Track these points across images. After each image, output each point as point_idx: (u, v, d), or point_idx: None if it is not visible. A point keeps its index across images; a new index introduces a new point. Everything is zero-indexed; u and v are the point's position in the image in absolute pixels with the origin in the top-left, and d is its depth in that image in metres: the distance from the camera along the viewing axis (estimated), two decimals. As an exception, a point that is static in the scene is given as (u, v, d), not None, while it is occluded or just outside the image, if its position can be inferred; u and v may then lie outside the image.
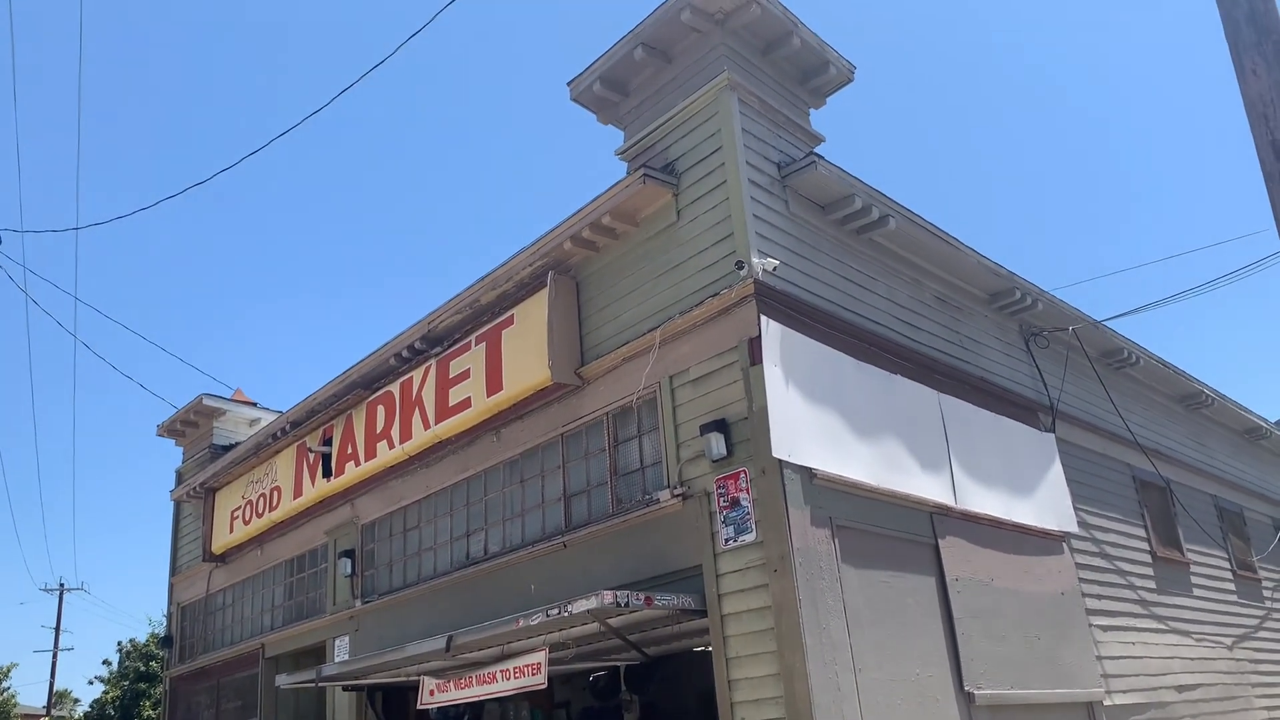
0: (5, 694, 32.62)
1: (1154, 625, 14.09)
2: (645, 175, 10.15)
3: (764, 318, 9.19)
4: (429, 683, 11.84)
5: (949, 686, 9.83)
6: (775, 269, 9.40)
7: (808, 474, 9.11)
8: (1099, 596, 12.99)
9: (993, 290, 13.05)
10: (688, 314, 9.87)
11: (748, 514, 8.98)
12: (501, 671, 10.75)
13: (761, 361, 9.08)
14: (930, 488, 10.57)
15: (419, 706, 11.94)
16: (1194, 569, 15.94)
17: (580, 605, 8.63)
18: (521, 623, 9.26)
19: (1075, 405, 14.35)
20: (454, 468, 12.76)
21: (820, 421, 9.46)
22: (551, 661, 10.48)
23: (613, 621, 9.68)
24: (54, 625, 44.02)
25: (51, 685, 42.82)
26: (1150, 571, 14.61)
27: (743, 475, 9.10)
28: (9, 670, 32.97)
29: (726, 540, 9.11)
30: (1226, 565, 17.16)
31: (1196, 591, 15.77)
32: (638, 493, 10.26)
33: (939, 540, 10.48)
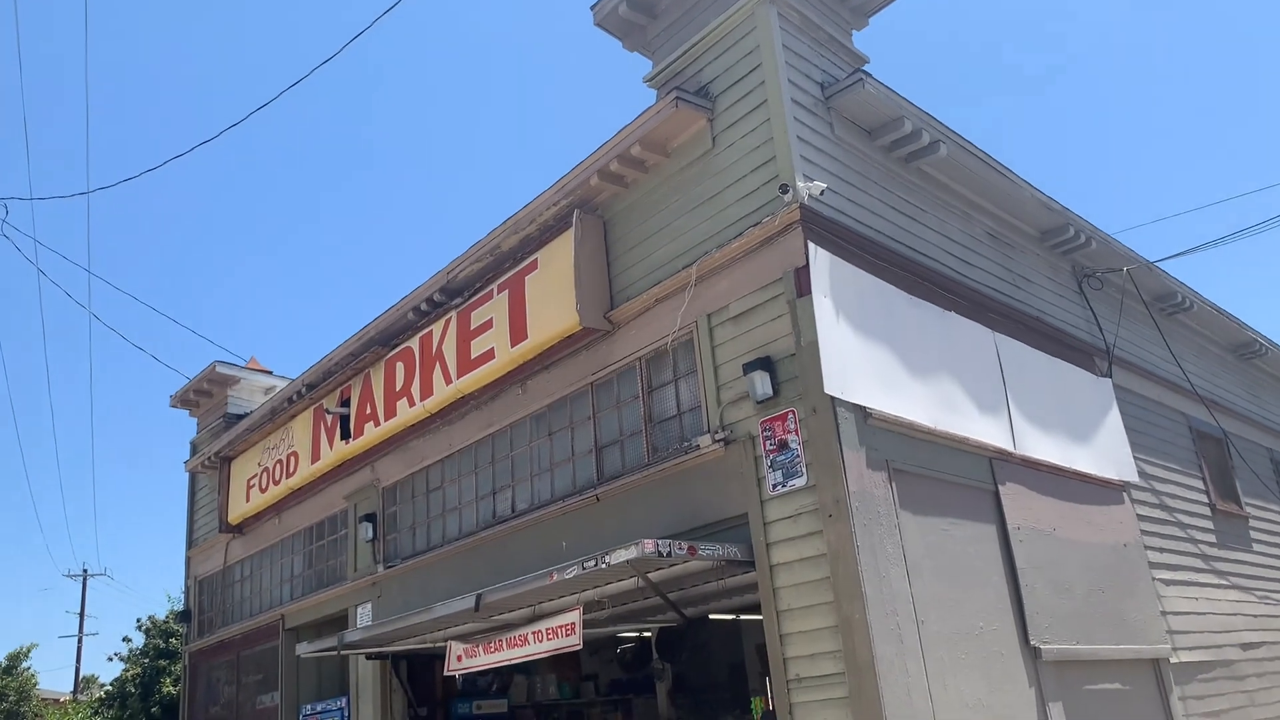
0: (25, 674, 32.40)
1: (1216, 580, 13.37)
2: (678, 99, 9.43)
3: (811, 245, 8.48)
4: (456, 648, 11.24)
5: (1014, 641, 9.16)
6: (822, 193, 8.68)
7: (862, 413, 8.42)
8: (1160, 550, 12.27)
9: (1046, 227, 12.28)
10: (726, 247, 9.17)
11: (797, 457, 8.30)
12: (533, 633, 10.12)
13: (810, 292, 8.37)
14: (989, 431, 9.86)
15: (446, 673, 11.32)
16: (1253, 523, 15.19)
17: (619, 556, 7.98)
18: (555, 577, 8.61)
19: (1130, 351, 13.58)
20: (478, 424, 12.13)
21: (873, 358, 8.75)
22: (586, 623, 9.86)
23: (653, 576, 9.04)
24: (78, 611, 44.16)
25: (78, 671, 42.83)
26: (1210, 525, 13.86)
27: (791, 416, 8.41)
28: (28, 650, 32.75)
29: (774, 486, 8.44)
30: (1285, 520, 16.38)
31: (1256, 547, 15.02)
32: (675, 441, 9.59)
33: (999, 487, 9.78)
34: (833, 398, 8.13)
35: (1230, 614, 13.32)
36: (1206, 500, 14.05)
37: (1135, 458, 12.28)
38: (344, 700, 13.78)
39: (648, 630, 15.89)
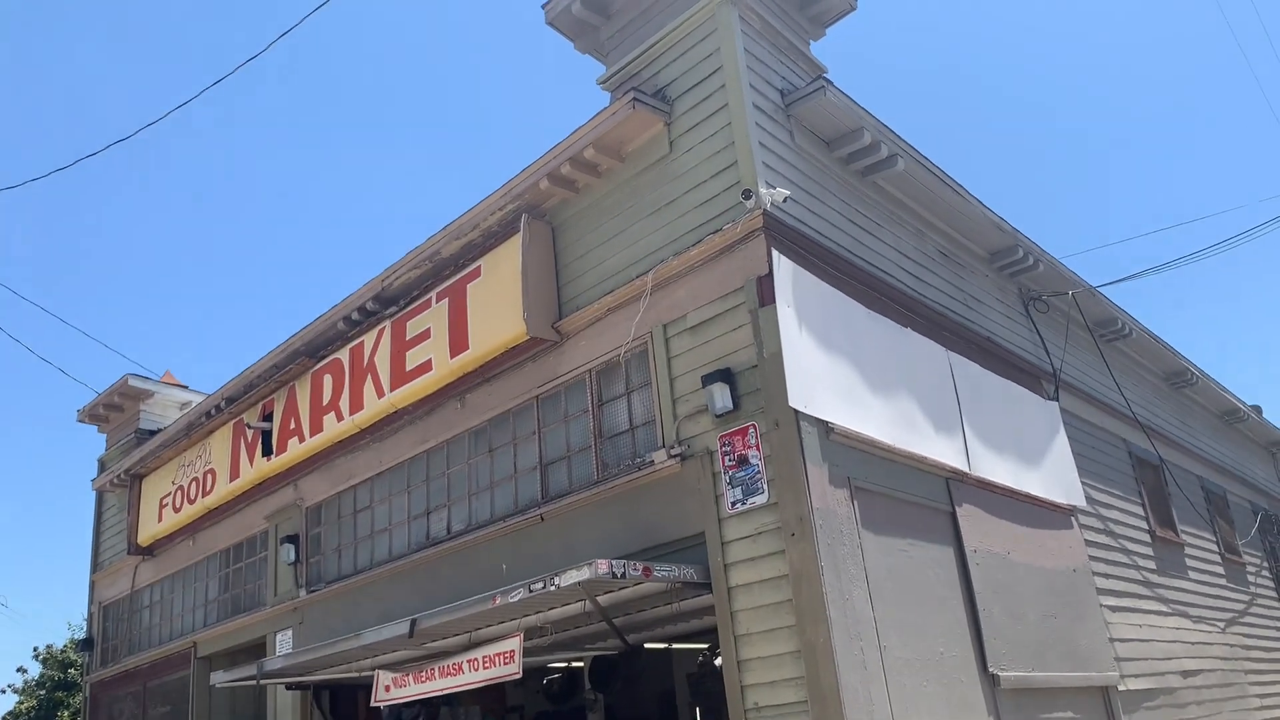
0: None
1: (1158, 607, 13.32)
2: (636, 100, 9.06)
3: (775, 252, 8.15)
4: (384, 677, 10.59)
5: (973, 667, 8.87)
6: (785, 201, 8.36)
7: (824, 428, 8.08)
8: (1107, 575, 12.16)
9: (995, 248, 12.18)
10: (684, 254, 8.80)
11: (758, 473, 7.92)
12: (469, 661, 9.56)
13: (773, 302, 8.03)
14: (945, 451, 9.62)
15: (373, 703, 10.66)
16: (1188, 550, 15.25)
17: (570, 577, 7.48)
18: (499, 600, 8.08)
19: (1073, 375, 13.55)
20: (411, 440, 11.52)
21: (835, 371, 8.44)
22: (526, 650, 9.32)
23: (603, 599, 8.55)
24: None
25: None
26: (1150, 551, 13.85)
27: (752, 430, 8.03)
28: None
29: (734, 504, 8.04)
30: (1215, 548, 16.51)
31: (1191, 574, 15.07)
32: (627, 457, 9.14)
33: (956, 508, 9.53)
34: (796, 411, 7.78)
35: (1171, 641, 13.28)
36: (1147, 527, 14.05)
37: (1082, 482, 12.18)
38: (260, 734, 12.96)
39: (579, 660, 15.35)
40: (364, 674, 11.42)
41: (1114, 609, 11.95)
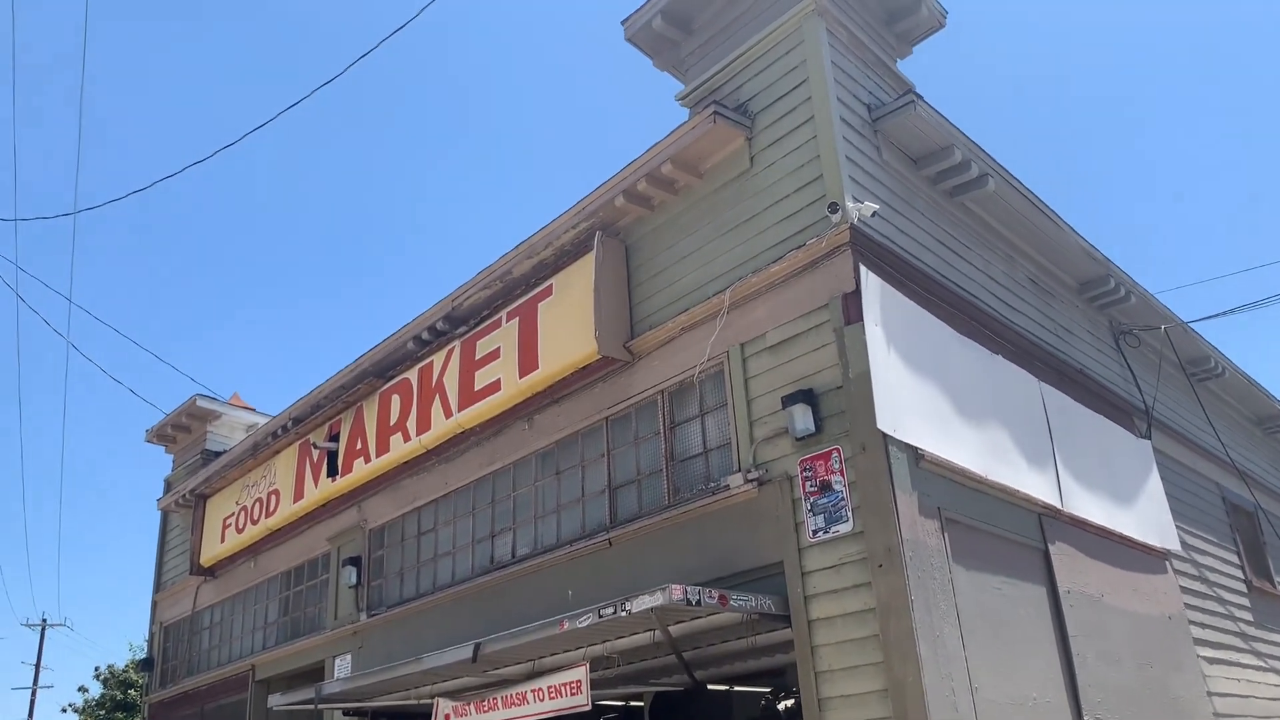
0: None
1: (1255, 662, 12.53)
2: (717, 114, 8.81)
3: (863, 268, 7.79)
4: (444, 705, 10.27)
5: (1066, 715, 8.30)
6: (874, 215, 8.02)
7: (914, 454, 7.66)
8: (1203, 625, 11.46)
9: (1086, 277, 11.67)
10: (763, 271, 8.48)
11: (842, 500, 7.51)
12: (534, 691, 9.19)
13: (860, 320, 7.66)
14: (1038, 485, 9.11)
15: (432, 733, 10.34)
16: (1285, 603, 14.40)
17: (642, 603, 7.12)
18: (566, 625, 7.73)
19: (1165, 413, 12.90)
20: (478, 461, 11.28)
21: (924, 395, 8.02)
22: (590, 682, 8.95)
23: (673, 629, 8.16)
24: (34, 662, 42.32)
25: (30, 723, 40.87)
26: (1247, 603, 13.07)
27: (835, 454, 7.64)
28: None
29: (815, 532, 7.63)
30: (1313, 603, 15.59)
31: (1289, 628, 14.21)
32: (700, 481, 8.79)
33: (1049, 546, 9.00)
34: (885, 435, 7.37)
35: (1271, 698, 12.47)
36: (1243, 576, 13.28)
37: (1176, 525, 11.52)
38: (315, 760, 12.68)
39: (638, 698, 14.88)
40: (423, 702, 11.12)
41: (1211, 661, 11.23)
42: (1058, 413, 9.95)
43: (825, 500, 7.62)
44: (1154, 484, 11.43)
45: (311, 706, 11.09)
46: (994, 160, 9.65)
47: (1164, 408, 12.96)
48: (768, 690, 14.34)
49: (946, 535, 7.66)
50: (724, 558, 8.27)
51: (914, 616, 6.91)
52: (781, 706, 14.40)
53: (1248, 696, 11.80)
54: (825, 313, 7.95)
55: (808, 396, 7.83)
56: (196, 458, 17.84)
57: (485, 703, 9.78)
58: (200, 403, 17.63)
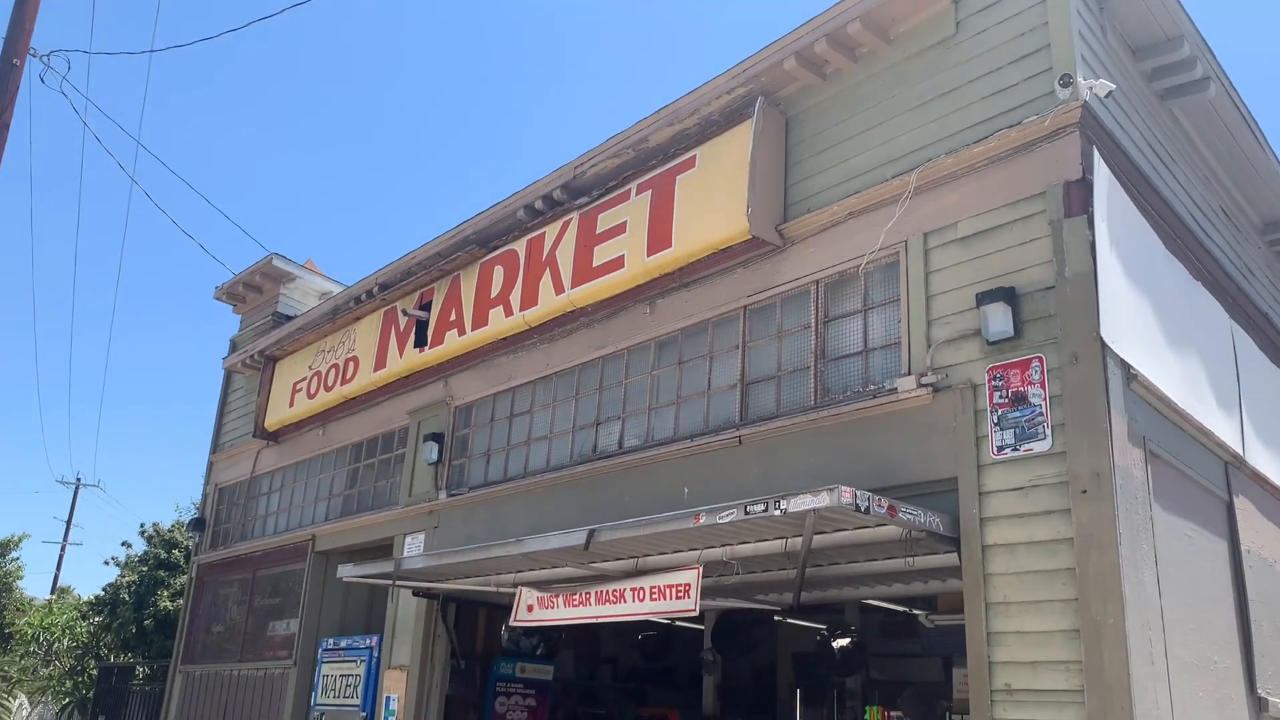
0: (11, 564, 30.86)
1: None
2: (924, -32, 7.71)
3: (1097, 154, 6.75)
4: (528, 595, 9.52)
5: (1240, 685, 7.44)
6: (1109, 95, 6.94)
7: (1127, 373, 6.70)
8: (1349, 609, 10.49)
9: (1274, 217, 10.52)
10: (960, 152, 7.45)
11: (1040, 415, 6.58)
12: (634, 590, 8.41)
13: (1085, 213, 6.64)
14: (1225, 430, 8.13)
15: (512, 622, 9.63)
16: None
17: (802, 503, 6.24)
18: (703, 519, 6.88)
19: (1327, 379, 11.78)
20: (586, 343, 10.43)
21: (1138, 310, 7.02)
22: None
23: (817, 540, 7.31)
24: (65, 518, 42.86)
25: (56, 578, 41.45)
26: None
27: (1036, 364, 6.69)
28: (19, 541, 31.17)
29: (1000, 448, 6.72)
30: None
31: None
32: (856, 382, 7.87)
33: (1233, 498, 8.06)
34: (1104, 346, 6.40)
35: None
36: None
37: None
38: (375, 639, 12.13)
39: (687, 621, 14.09)
40: (503, 590, 10.46)
41: (1355, 648, 10.29)
42: (1246, 357, 8.93)
43: (1018, 414, 6.69)
44: (1318, 451, 10.39)
45: (389, 581, 10.46)
46: (1218, 63, 8.49)
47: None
48: (824, 627, 13.65)
49: (1149, 468, 6.73)
50: (880, 469, 7.39)
51: (1120, 551, 6.01)
52: (836, 645, 13.74)
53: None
54: (1039, 202, 6.93)
55: (1008, 295, 6.85)
56: (267, 319, 17.15)
57: (576, 596, 9.04)
58: (276, 262, 16.89)
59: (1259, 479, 8.65)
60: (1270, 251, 10.87)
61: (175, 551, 21.48)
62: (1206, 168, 9.45)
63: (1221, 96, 8.65)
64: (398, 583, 10.45)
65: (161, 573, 21.27)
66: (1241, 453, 8.35)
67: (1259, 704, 7.50)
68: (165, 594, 20.57)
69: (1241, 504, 8.14)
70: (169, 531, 22.14)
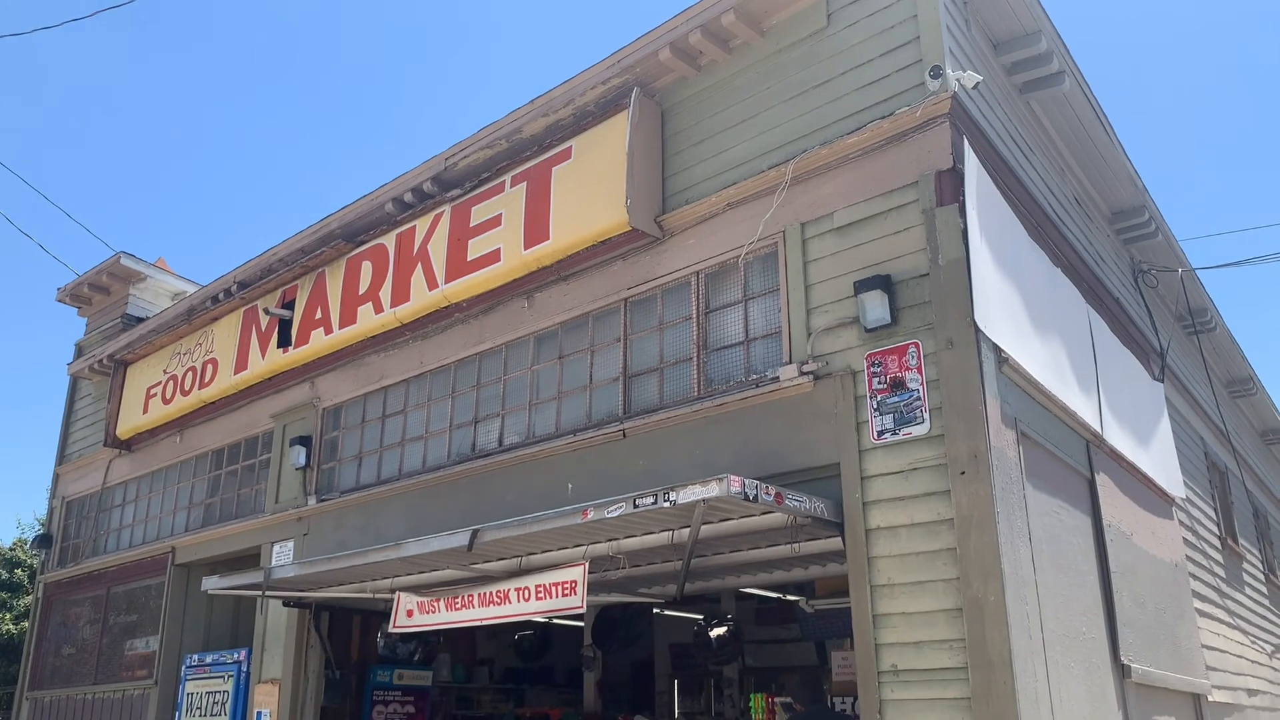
0: None
1: (1228, 618, 12.37)
2: (796, -40, 7.78)
3: (967, 144, 6.93)
4: (408, 600, 9.23)
5: (1105, 654, 7.76)
6: (976, 86, 7.14)
7: (999, 357, 6.90)
8: (1194, 577, 11.16)
9: (1121, 206, 11.04)
10: (835, 144, 7.55)
11: (917, 400, 6.72)
12: (518, 590, 8.24)
13: (956, 201, 6.81)
14: (1086, 410, 8.49)
15: (391, 629, 9.34)
16: (1245, 566, 14.34)
17: (691, 494, 6.20)
18: (591, 514, 6.77)
19: (1171, 360, 12.49)
20: (463, 340, 10.19)
21: (1006, 295, 7.25)
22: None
23: (705, 530, 7.30)
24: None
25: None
26: (1221, 559, 12.89)
27: (913, 350, 6.83)
28: None
29: (881, 433, 6.83)
30: (1261, 568, 15.64)
31: (1247, 590, 14.17)
32: (738, 372, 7.90)
33: (1095, 475, 8.42)
34: (977, 331, 6.58)
35: (1238, 656, 12.34)
36: (1218, 534, 13.08)
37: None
38: (243, 653, 11.60)
39: (564, 617, 14.02)
40: (379, 596, 10.14)
41: (1201, 614, 10.95)
42: (1101, 340, 9.35)
43: (896, 399, 6.81)
44: (1165, 429, 11.00)
45: (258, 592, 9.99)
46: (1073, 58, 8.85)
47: (1171, 353, 12.54)
48: (699, 617, 13.78)
49: (1021, 448, 6.95)
50: (764, 457, 7.43)
51: (999, 530, 6.19)
52: (713, 634, 13.88)
53: (1224, 652, 11.61)
54: (913, 191, 7.07)
55: (884, 283, 6.98)
56: (115, 322, 16.22)
57: (459, 599, 8.81)
58: (125, 261, 15.98)
59: (1116, 456, 9.06)
60: (1118, 239, 11.42)
61: (18, 571, 20.17)
62: (1061, 159, 9.86)
63: (1075, 90, 9.02)
64: (268, 593, 10.00)
65: (3, 594, 19.93)
66: (1100, 431, 8.73)
67: (1123, 670, 7.86)
68: (8, 617, 19.29)
69: (1102, 480, 8.52)
70: (10, 550, 20.76)
